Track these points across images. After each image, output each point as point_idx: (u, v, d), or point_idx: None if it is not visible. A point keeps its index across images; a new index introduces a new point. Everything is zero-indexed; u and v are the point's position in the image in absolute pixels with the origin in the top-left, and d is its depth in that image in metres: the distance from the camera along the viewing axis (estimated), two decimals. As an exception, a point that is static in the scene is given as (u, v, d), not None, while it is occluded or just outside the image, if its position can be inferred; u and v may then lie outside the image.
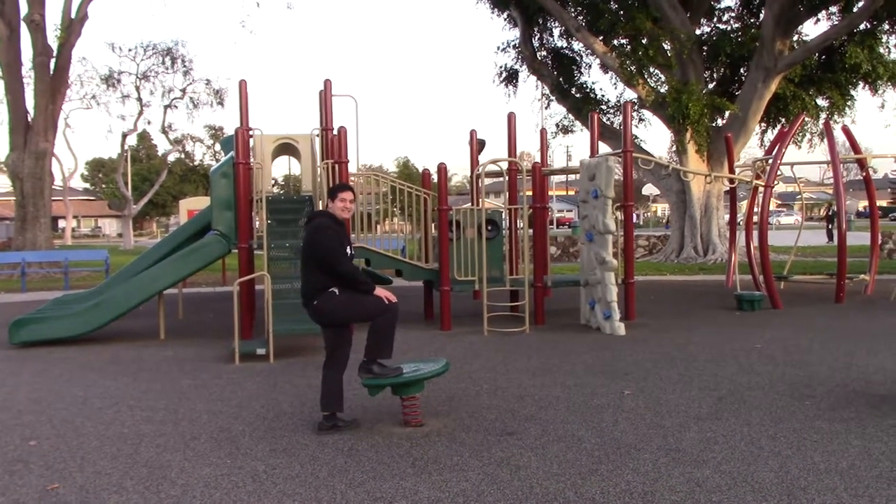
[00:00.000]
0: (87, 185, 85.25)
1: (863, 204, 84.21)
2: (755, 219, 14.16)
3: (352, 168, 12.10)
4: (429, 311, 12.70)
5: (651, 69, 22.74)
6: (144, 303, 10.74)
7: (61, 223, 67.51)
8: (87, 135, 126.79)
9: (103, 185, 78.37)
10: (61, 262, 19.26)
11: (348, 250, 6.07)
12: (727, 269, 15.96)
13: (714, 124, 23.21)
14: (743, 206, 19.08)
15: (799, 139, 23.88)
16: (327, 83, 12.27)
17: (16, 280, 19.04)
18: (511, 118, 12.72)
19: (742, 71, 24.42)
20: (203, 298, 16.01)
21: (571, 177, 76.08)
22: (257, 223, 10.99)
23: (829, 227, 34.63)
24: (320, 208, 10.90)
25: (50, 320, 10.48)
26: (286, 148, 14.78)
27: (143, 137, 73.66)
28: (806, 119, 23.19)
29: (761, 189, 13.61)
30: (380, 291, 5.96)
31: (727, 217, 19.19)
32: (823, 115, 23.69)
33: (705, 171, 19.67)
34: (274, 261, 10.41)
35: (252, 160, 11.19)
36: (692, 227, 23.60)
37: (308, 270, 6.06)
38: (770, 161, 13.90)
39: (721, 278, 18.41)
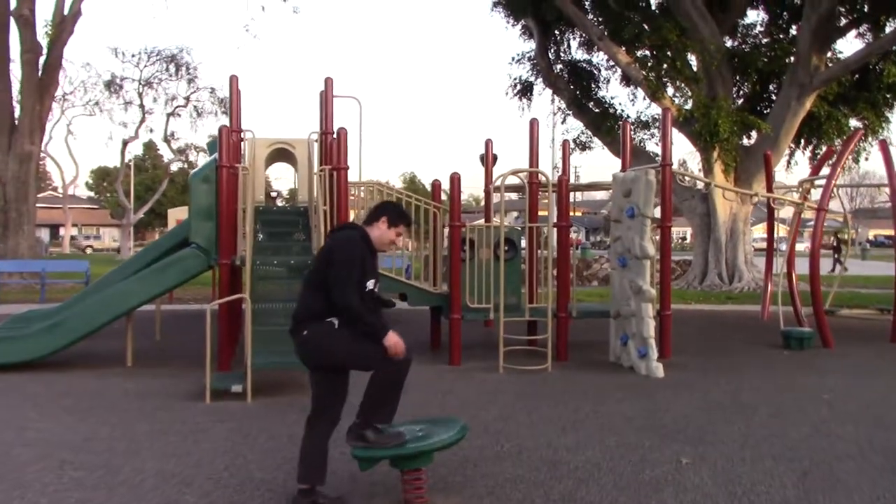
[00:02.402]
0: (92, 194, 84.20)
1: (874, 232, 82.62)
2: (799, 245, 12.73)
3: (352, 176, 10.72)
4: (435, 340, 11.25)
5: (678, 82, 21.33)
6: (111, 323, 9.31)
7: (62, 231, 66.31)
8: (92, 143, 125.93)
9: (107, 194, 77.30)
10: (39, 273, 17.86)
11: (370, 285, 4.64)
12: (763, 300, 14.49)
13: (742, 143, 21.81)
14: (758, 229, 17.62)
15: (853, 158, 22.19)
16: (328, 81, 10.92)
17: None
18: (533, 125, 11.33)
19: (772, 87, 23.04)
20: (187, 316, 14.58)
21: (579, 196, 74.78)
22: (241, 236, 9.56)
23: (837, 256, 33.15)
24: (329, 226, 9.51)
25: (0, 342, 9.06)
26: (282, 154, 13.47)
27: (150, 147, 72.74)
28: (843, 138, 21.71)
29: (810, 212, 12.19)
30: (392, 338, 4.52)
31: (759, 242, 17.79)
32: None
33: (746, 191, 18.16)
34: (260, 280, 9.00)
35: (241, 164, 9.79)
36: (717, 252, 22.12)
37: (310, 289, 4.64)
38: (809, 181, 12.52)
39: (752, 309, 16.95)
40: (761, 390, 8.29)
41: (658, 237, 10.62)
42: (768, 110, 22.42)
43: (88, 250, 65.38)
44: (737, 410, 7.32)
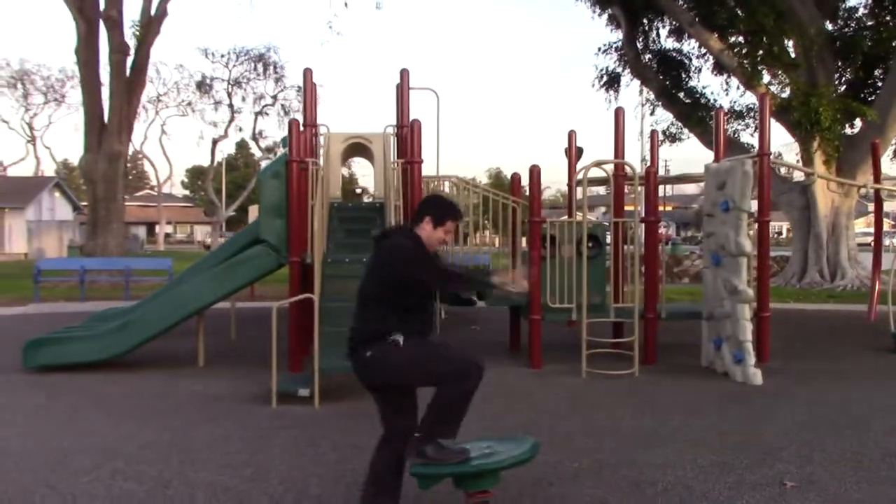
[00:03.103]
0: (187, 192, 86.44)
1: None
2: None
3: (429, 170, 10.31)
4: (514, 341, 10.74)
5: (775, 69, 20.19)
6: (181, 323, 9.13)
7: (157, 228, 68.23)
8: (185, 142, 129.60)
9: (201, 192, 79.30)
10: (122, 270, 18.04)
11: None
12: (870, 299, 13.43)
13: (845, 132, 20.54)
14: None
15: None
16: (404, 73, 10.55)
17: (78, 287, 17.93)
18: (619, 114, 10.68)
19: (877, 73, 21.65)
20: (265, 315, 14.34)
21: (669, 190, 72.75)
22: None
23: None
24: (395, 223, 9.12)
25: (70, 342, 8.96)
26: (359, 149, 13.12)
27: (242, 146, 74.21)
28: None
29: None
30: (502, 275, 4.32)
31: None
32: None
33: (855, 182, 16.99)
34: (330, 278, 8.65)
35: (313, 159, 9.47)
36: (817, 248, 20.89)
37: (365, 305, 4.25)
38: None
39: (857, 308, 15.84)
40: (873, 401, 7.51)
41: (755, 232, 9.85)
42: (873, 97, 21.07)
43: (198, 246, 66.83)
44: (847, 424, 6.59)
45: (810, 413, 7.01)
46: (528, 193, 9.68)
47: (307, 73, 10.79)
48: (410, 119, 9.79)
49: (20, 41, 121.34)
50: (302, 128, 10.51)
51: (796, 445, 5.94)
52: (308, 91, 10.92)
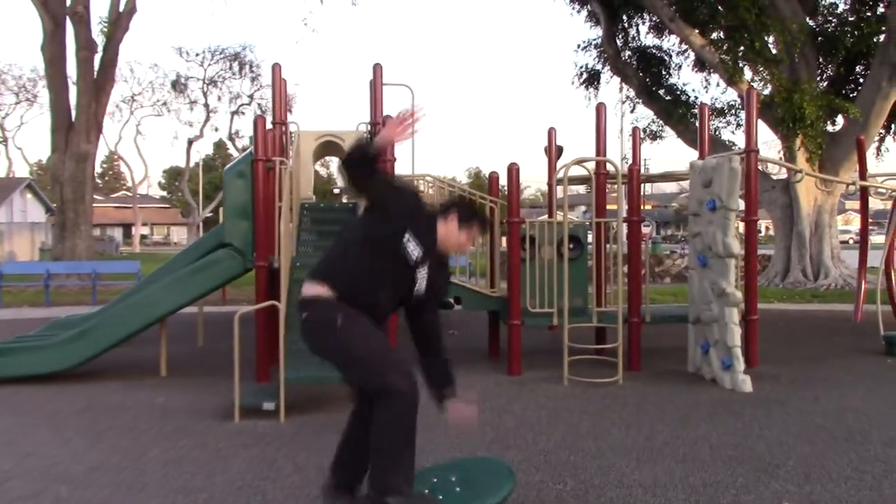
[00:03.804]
0: (164, 194, 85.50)
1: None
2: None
3: (405, 169, 9.88)
4: (493, 346, 10.32)
5: (757, 65, 19.89)
6: (141, 332, 8.63)
7: (133, 230, 67.39)
8: (162, 143, 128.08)
9: (179, 194, 78.56)
10: (90, 274, 17.47)
11: (412, 251, 3.75)
12: (856, 299, 13.13)
13: (827, 129, 20.29)
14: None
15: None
16: (377, 69, 10.07)
17: (42, 293, 17.36)
18: (600, 110, 10.28)
19: (859, 69, 21.44)
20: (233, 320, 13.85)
21: (649, 189, 72.64)
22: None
23: None
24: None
25: (23, 352, 8.44)
26: (331, 147, 12.69)
27: (219, 146, 73.45)
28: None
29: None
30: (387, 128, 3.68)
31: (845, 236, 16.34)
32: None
33: (844, 179, 16.67)
34: (298, 282, 8.18)
35: (280, 158, 9.00)
36: (800, 247, 20.64)
37: (323, 261, 3.91)
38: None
39: (842, 308, 15.61)
40: (869, 409, 7.15)
41: (742, 232, 9.50)
42: (855, 93, 20.86)
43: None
44: (844, 436, 6.22)
45: (805, 423, 6.64)
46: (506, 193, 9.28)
47: (276, 68, 10.33)
48: (383, 116, 9.36)
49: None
50: (271, 125, 10.07)
51: (793, 460, 5.56)
52: (277, 87, 10.44)
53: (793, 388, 8.12)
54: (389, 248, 3.68)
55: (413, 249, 3.72)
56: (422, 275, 3.80)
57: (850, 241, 45.94)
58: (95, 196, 63.56)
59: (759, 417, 6.85)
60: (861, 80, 21.18)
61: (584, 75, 25.51)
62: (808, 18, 21.09)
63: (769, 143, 21.49)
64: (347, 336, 3.63)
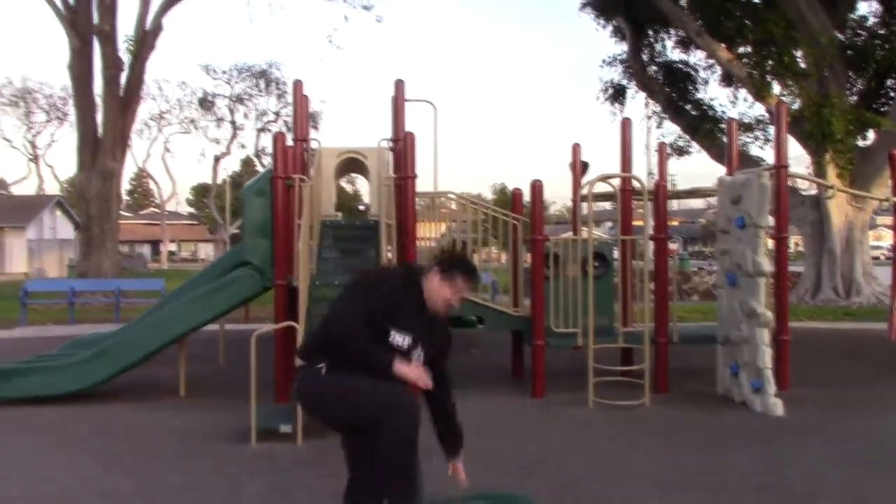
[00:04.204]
0: (192, 210, 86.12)
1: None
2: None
3: (425, 185, 9.74)
4: (517, 367, 10.12)
5: (786, 79, 19.62)
6: (159, 352, 8.54)
7: (161, 247, 67.91)
8: (190, 160, 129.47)
9: (206, 210, 79.13)
10: (114, 291, 17.50)
11: (397, 340, 3.59)
12: (890, 317, 12.77)
13: (858, 144, 19.94)
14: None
15: None
16: (399, 85, 9.99)
17: (67, 310, 17.40)
18: (626, 125, 10.10)
19: (890, 83, 21.07)
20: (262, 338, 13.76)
21: (675, 205, 72.01)
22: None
23: None
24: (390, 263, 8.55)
25: (40, 372, 8.39)
26: (354, 164, 12.58)
27: (247, 163, 73.88)
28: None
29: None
30: (404, 367, 3.49)
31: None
32: None
33: (877, 195, 16.30)
34: (318, 302, 8.06)
35: (300, 175, 8.89)
36: (831, 264, 20.25)
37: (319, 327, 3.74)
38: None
39: (876, 327, 15.21)
40: (908, 435, 6.89)
41: (772, 250, 9.26)
42: (886, 107, 20.49)
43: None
44: (886, 463, 5.96)
45: (841, 450, 6.38)
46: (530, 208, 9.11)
47: (297, 85, 10.28)
48: (405, 132, 9.25)
49: (22, 60, 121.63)
50: (292, 142, 9.98)
51: (829, 491, 5.32)
52: (298, 104, 10.39)
53: (827, 411, 7.85)
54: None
55: (401, 340, 3.59)
56: (416, 355, 3.67)
57: (882, 258, 45.24)
58: (124, 213, 64.15)
59: (792, 443, 6.60)
60: (892, 94, 20.82)
61: (610, 90, 25.38)
62: (837, 32, 20.78)
63: (798, 157, 21.11)
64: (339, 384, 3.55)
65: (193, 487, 5.52)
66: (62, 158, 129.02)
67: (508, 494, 4.06)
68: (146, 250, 70.40)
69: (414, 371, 3.47)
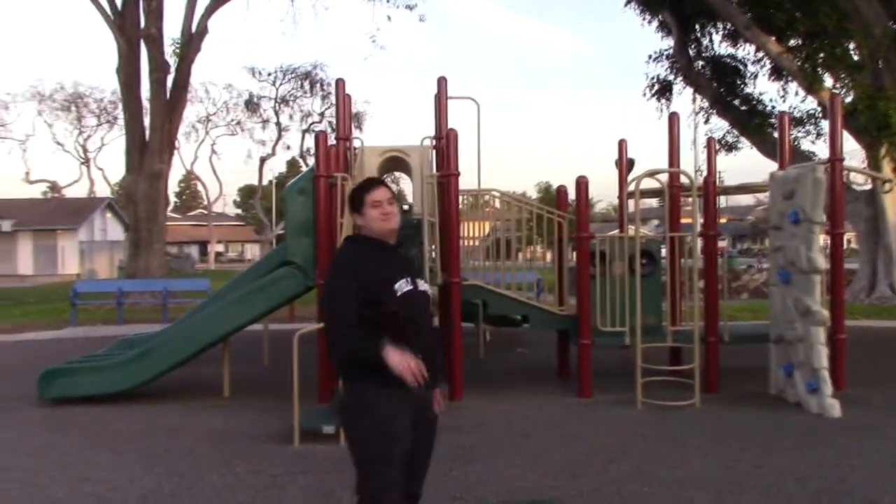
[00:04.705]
0: (239, 211, 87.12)
1: None
2: None
3: (469, 183, 9.64)
4: (563, 366, 9.95)
5: (838, 72, 19.08)
6: (203, 352, 8.55)
7: (209, 247, 68.79)
8: (237, 162, 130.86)
9: (253, 211, 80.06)
10: (161, 292, 17.67)
11: (401, 286, 3.41)
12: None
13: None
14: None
15: None
16: (442, 82, 9.91)
17: (115, 310, 17.62)
18: (673, 120, 9.87)
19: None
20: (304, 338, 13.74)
21: (723, 201, 71.00)
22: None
23: None
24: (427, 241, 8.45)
25: (86, 372, 8.43)
26: (397, 163, 12.50)
27: (293, 164, 74.53)
28: None
29: None
30: (395, 357, 3.26)
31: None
32: None
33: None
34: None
35: (342, 174, 8.82)
36: (887, 261, 19.66)
37: None
38: None
39: (936, 326, 14.77)
40: (973, 438, 6.59)
41: (827, 246, 8.97)
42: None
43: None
44: (947, 468, 5.71)
45: (901, 453, 6.13)
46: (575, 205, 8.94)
47: (339, 83, 10.21)
48: (447, 129, 9.14)
49: (73, 65, 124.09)
50: (335, 141, 9.94)
51: (890, 496, 5.09)
52: (340, 102, 10.32)
53: (886, 413, 7.57)
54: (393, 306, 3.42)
55: (405, 285, 3.42)
56: (422, 284, 3.53)
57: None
58: (172, 214, 65.08)
59: (851, 446, 6.35)
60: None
61: (656, 86, 24.92)
62: (891, 22, 20.18)
63: (851, 152, 20.55)
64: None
65: (235, 488, 5.47)
66: (112, 161, 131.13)
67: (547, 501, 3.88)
68: (194, 251, 71.40)
69: (402, 364, 3.28)
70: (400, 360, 3.23)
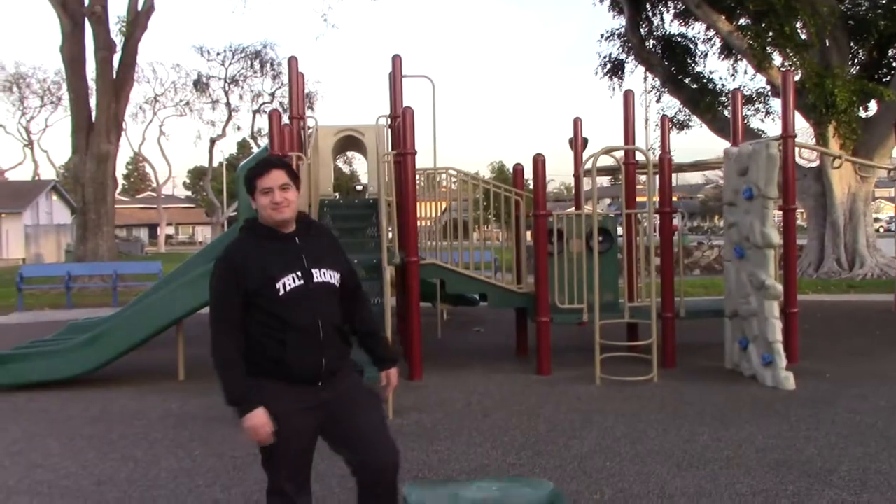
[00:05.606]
0: (189, 193, 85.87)
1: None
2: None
3: (425, 162, 9.56)
4: (522, 345, 9.95)
5: (787, 50, 19.31)
6: (155, 336, 8.38)
7: (158, 230, 67.65)
8: (186, 143, 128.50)
9: (203, 193, 78.91)
10: (111, 275, 17.31)
11: (286, 282, 3.19)
12: (896, 289, 12.68)
13: (860, 114, 19.70)
14: None
15: None
16: (396, 60, 9.83)
17: (64, 295, 17.23)
18: (628, 97, 9.87)
19: (892, 53, 20.83)
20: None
21: (673, 179, 71.82)
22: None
23: None
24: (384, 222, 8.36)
25: (36, 358, 8.22)
26: (351, 142, 12.40)
27: (243, 146, 73.49)
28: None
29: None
30: (252, 420, 3.27)
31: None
32: None
33: (885, 165, 16.04)
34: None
35: (297, 153, 8.69)
36: (834, 236, 20.08)
37: None
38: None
39: (881, 299, 15.12)
40: (923, 407, 6.74)
41: (779, 221, 9.09)
42: (888, 78, 20.26)
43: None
44: (899, 437, 5.83)
45: (855, 423, 6.24)
46: (531, 185, 8.93)
47: (292, 61, 10.08)
48: (403, 107, 9.04)
49: (15, 44, 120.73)
50: (288, 120, 9.79)
51: (846, 465, 5.18)
52: (293, 81, 10.16)
53: (839, 384, 7.70)
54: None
55: (290, 282, 3.21)
56: (319, 277, 3.28)
57: (881, 230, 45.11)
58: (121, 197, 63.85)
59: (806, 417, 6.46)
60: (895, 64, 20.58)
61: (609, 65, 25.08)
62: (838, 1, 20.51)
63: (799, 130, 20.81)
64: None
65: (194, 472, 5.38)
66: (57, 143, 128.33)
67: (532, 482, 3.86)
68: (143, 234, 70.25)
69: (251, 432, 3.29)
70: (251, 427, 3.25)
